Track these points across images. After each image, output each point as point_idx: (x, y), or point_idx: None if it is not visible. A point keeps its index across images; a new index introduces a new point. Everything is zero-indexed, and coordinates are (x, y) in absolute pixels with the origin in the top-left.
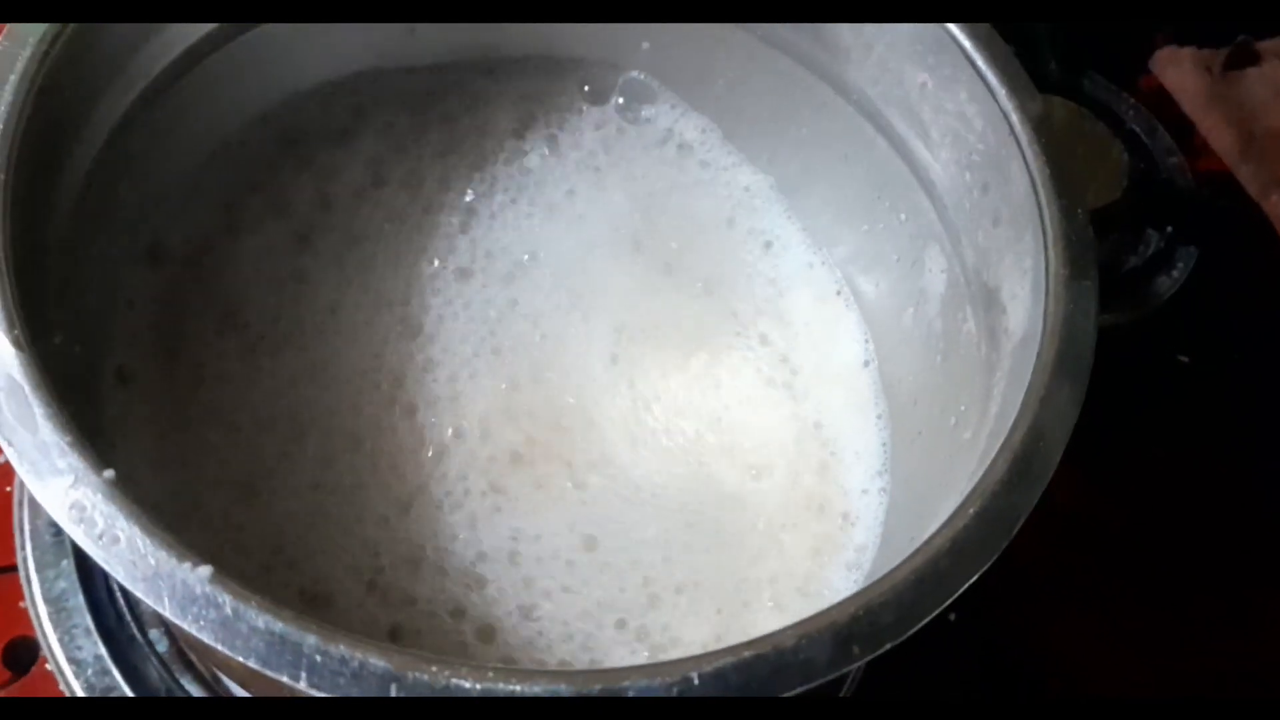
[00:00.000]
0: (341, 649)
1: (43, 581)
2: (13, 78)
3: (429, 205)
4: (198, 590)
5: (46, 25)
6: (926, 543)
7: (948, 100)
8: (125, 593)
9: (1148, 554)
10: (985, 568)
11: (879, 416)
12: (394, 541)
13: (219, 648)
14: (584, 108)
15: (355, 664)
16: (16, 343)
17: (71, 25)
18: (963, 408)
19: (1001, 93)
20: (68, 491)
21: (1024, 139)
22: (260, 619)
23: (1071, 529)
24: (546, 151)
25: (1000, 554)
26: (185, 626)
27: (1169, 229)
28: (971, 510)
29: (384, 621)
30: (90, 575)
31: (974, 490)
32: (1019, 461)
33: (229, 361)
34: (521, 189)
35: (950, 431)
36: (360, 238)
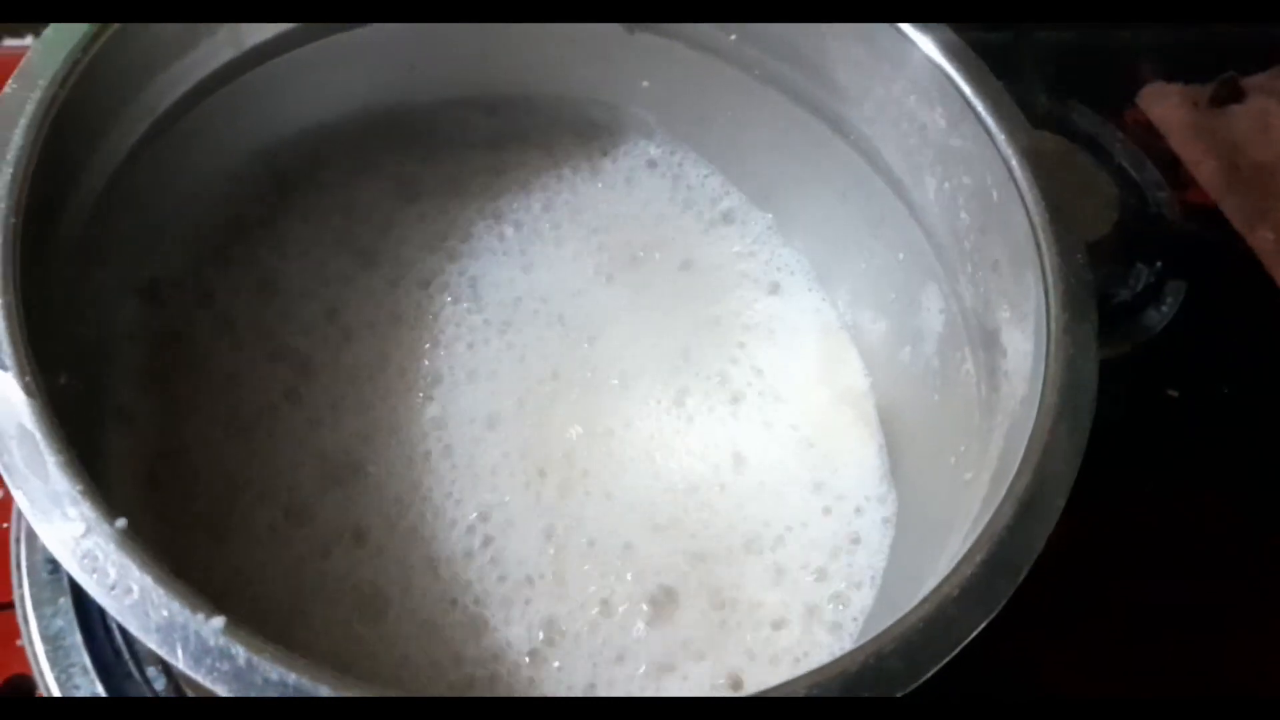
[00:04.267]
0: (356, 698)
1: (40, 619)
2: (23, 121)
3: (429, 243)
4: (211, 642)
5: (56, 66)
6: (934, 590)
7: (946, 142)
8: (123, 630)
9: (1136, 588)
10: (994, 614)
11: (880, 451)
12: (401, 592)
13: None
14: (585, 146)
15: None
16: (28, 389)
17: (80, 63)
18: (962, 448)
19: (1001, 137)
20: (79, 541)
21: (1023, 183)
22: (274, 671)
23: (1059, 562)
24: (548, 189)
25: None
26: (199, 678)
27: (1158, 263)
28: (978, 558)
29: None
30: (88, 613)
31: (980, 536)
32: (1024, 507)
33: (229, 405)
34: (522, 226)
35: (951, 470)
36: (361, 278)
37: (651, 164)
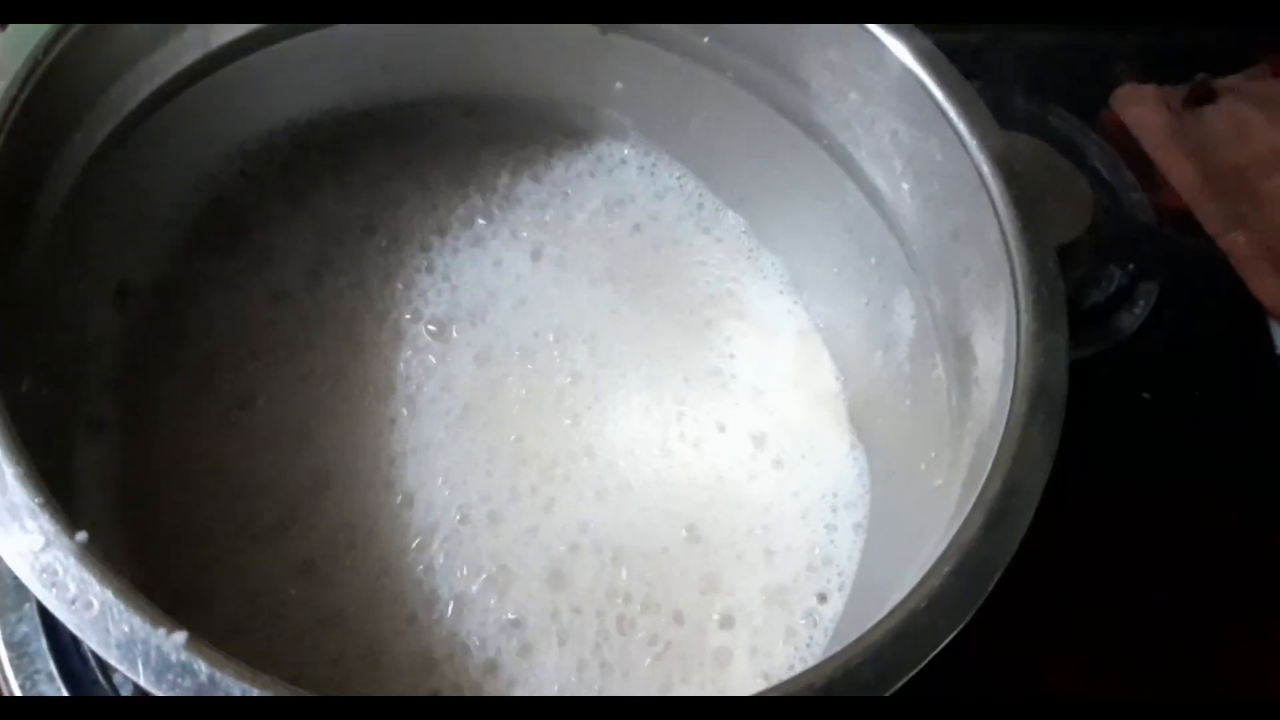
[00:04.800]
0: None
1: (3, 625)
2: None
3: (404, 246)
4: (173, 657)
5: (18, 66)
6: (904, 600)
7: (918, 148)
8: None
9: (1111, 590)
10: (963, 624)
11: (852, 455)
12: (377, 602)
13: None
14: (560, 148)
15: None
16: None
17: (42, 63)
18: (933, 454)
19: (973, 144)
20: (38, 555)
21: (995, 190)
22: (237, 686)
23: (1034, 564)
24: (522, 192)
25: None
26: (160, 694)
27: (1131, 265)
28: (947, 568)
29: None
30: (54, 620)
31: (950, 545)
32: (994, 516)
33: (199, 412)
34: (497, 231)
35: (921, 475)
36: (333, 282)
37: (627, 167)
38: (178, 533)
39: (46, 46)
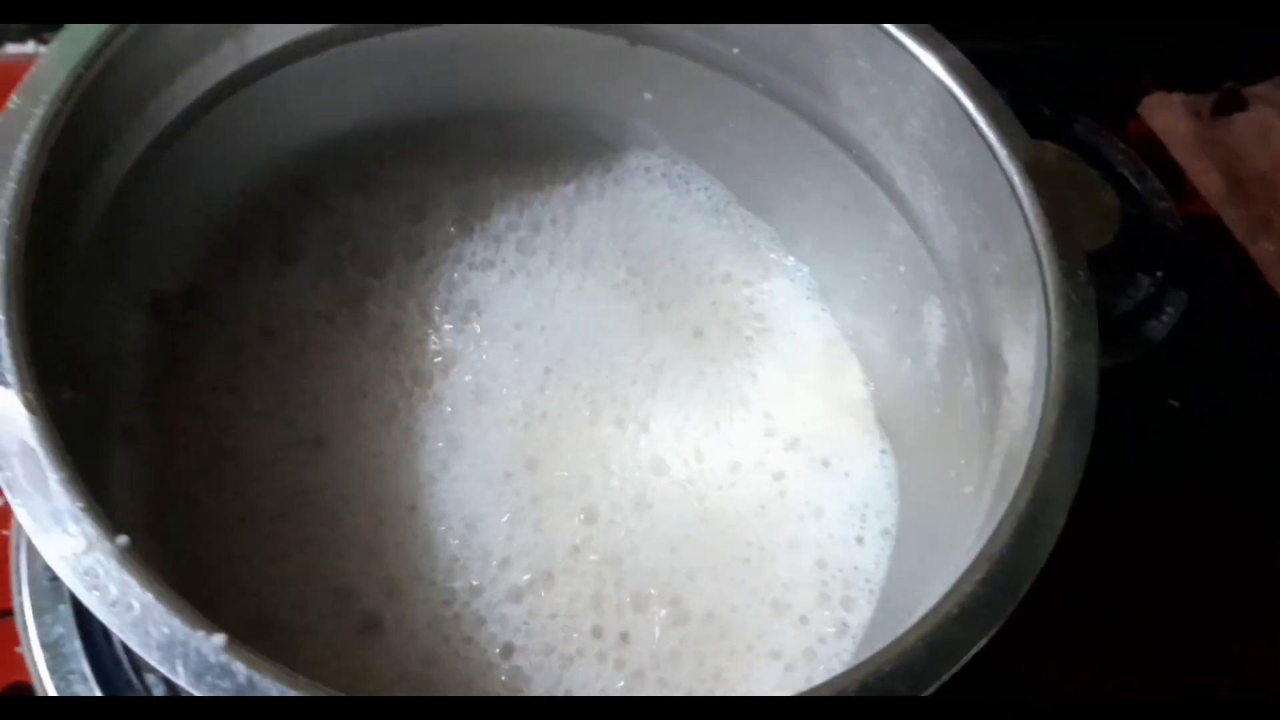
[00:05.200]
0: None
1: (39, 626)
2: (26, 137)
3: (435, 260)
4: (212, 659)
5: (60, 80)
6: (934, 609)
7: (947, 157)
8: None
9: (1136, 595)
10: (993, 633)
11: (881, 463)
12: (404, 605)
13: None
14: (590, 159)
15: None
16: (30, 405)
17: (85, 78)
18: (963, 461)
19: (1003, 153)
20: (80, 558)
21: (1025, 199)
22: (275, 687)
23: (1059, 569)
24: (552, 204)
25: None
26: (199, 695)
27: (1159, 273)
28: (978, 577)
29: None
30: (87, 620)
31: (980, 554)
32: (1025, 525)
33: (231, 421)
34: (529, 242)
35: (951, 484)
36: (364, 294)
37: (655, 177)
38: (209, 540)
39: (88, 62)
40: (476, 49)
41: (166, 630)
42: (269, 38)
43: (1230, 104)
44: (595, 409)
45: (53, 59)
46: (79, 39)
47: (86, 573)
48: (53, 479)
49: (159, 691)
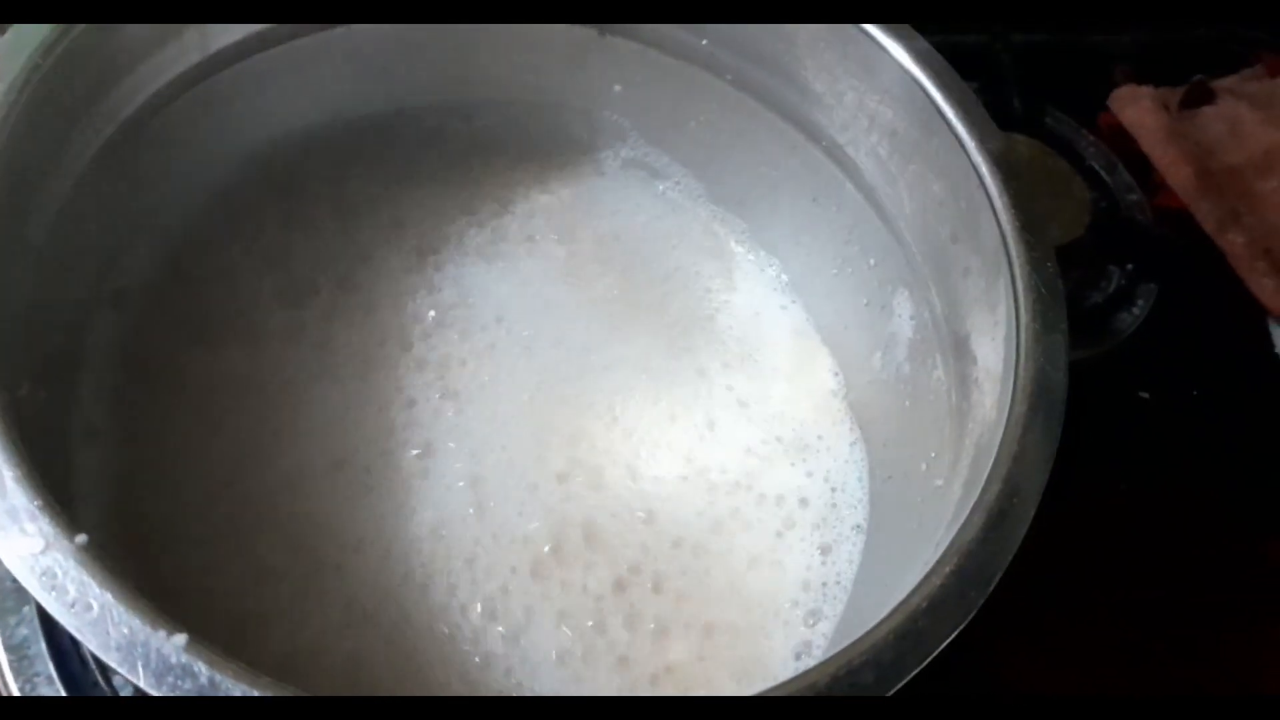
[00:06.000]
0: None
1: (3, 629)
2: None
3: (405, 253)
4: (173, 659)
5: (16, 70)
6: (904, 601)
7: (916, 150)
8: None
9: (1107, 589)
10: (963, 625)
11: (852, 455)
12: (375, 607)
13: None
14: (561, 151)
15: None
16: None
17: (42, 67)
18: (933, 454)
19: (972, 145)
20: (38, 557)
21: (994, 191)
22: (237, 687)
23: (1031, 563)
24: (522, 196)
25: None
26: (161, 695)
27: (1130, 266)
28: (947, 569)
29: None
30: (53, 622)
31: (950, 546)
32: (994, 517)
33: (197, 416)
34: (501, 235)
35: (922, 476)
36: (333, 287)
37: (626, 169)
38: (173, 537)
39: (45, 50)
40: (446, 40)
41: (126, 631)
42: (233, 29)
43: (1199, 97)
44: (563, 402)
45: (6, 49)
46: (34, 29)
47: (44, 573)
48: (8, 476)
49: (126, 693)
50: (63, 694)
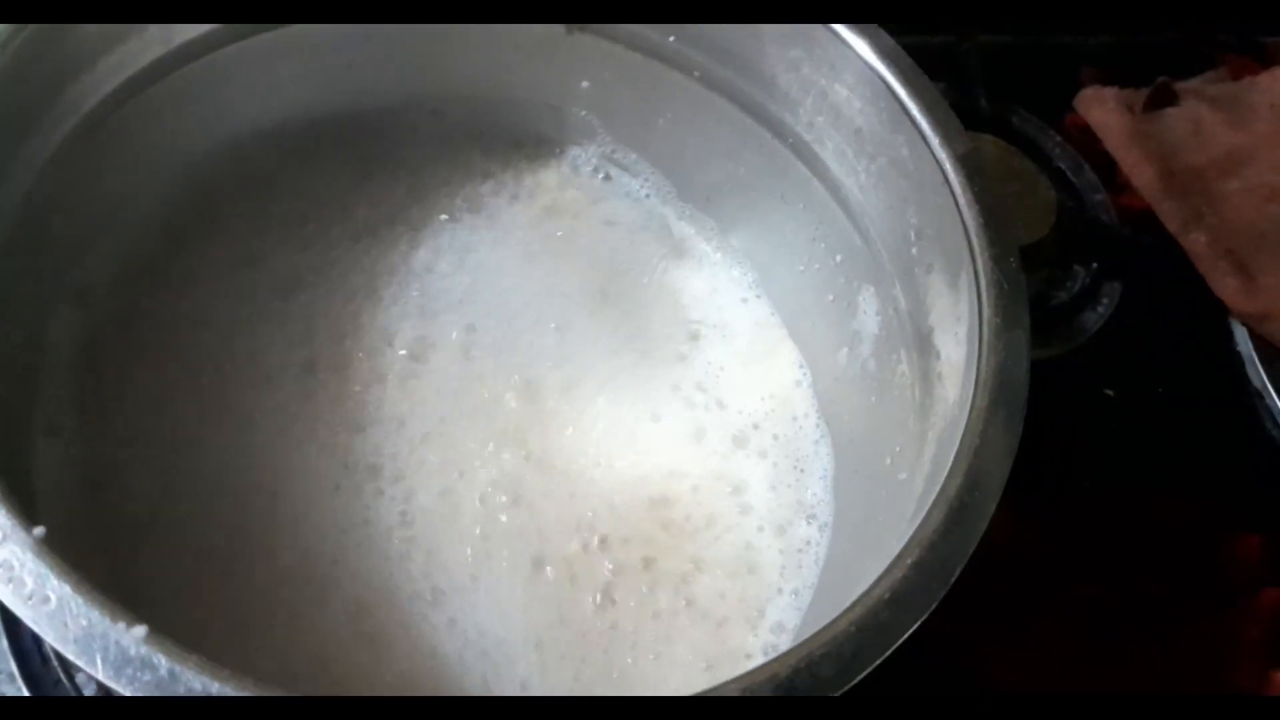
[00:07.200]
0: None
1: None
2: None
3: (372, 248)
4: (132, 651)
5: None
6: (865, 594)
7: (882, 147)
8: None
9: (1074, 585)
10: (924, 618)
11: (816, 451)
12: (337, 588)
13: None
14: (530, 148)
15: None
16: None
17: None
18: (897, 448)
19: (935, 141)
20: None
21: (958, 187)
22: (198, 680)
23: (997, 561)
24: (489, 191)
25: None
26: (119, 689)
27: (1095, 265)
28: (909, 561)
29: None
30: (15, 620)
31: (911, 540)
32: (955, 511)
33: (160, 413)
34: (465, 230)
35: (886, 470)
36: (299, 283)
37: (594, 165)
38: (142, 534)
39: (2, 44)
40: (413, 35)
41: (85, 623)
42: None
43: (1163, 99)
44: (529, 398)
45: None
46: None
47: (1, 565)
48: None
49: (89, 690)
50: (25, 694)
